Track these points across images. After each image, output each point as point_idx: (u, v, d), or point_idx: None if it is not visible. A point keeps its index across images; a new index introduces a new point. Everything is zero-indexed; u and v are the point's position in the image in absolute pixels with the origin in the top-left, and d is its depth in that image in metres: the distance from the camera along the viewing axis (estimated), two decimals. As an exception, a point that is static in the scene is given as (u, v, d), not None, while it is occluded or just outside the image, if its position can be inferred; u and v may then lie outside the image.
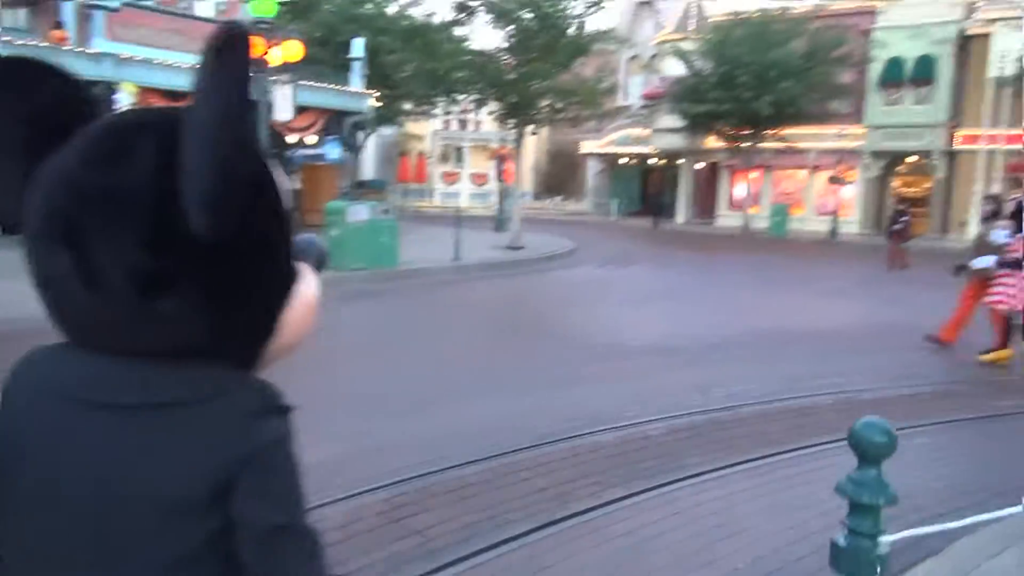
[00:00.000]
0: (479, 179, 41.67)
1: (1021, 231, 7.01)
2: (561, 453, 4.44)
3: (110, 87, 12.93)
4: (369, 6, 23.97)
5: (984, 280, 7.45)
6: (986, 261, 7.17)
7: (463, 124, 41.80)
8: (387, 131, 38.50)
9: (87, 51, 13.30)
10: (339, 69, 19.07)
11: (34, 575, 0.80)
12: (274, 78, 10.38)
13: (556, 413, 5.17)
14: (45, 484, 0.78)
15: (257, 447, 0.77)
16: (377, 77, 21.31)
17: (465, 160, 41.33)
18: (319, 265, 0.95)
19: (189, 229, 0.71)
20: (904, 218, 18.79)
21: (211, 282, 0.76)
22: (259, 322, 0.82)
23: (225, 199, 0.71)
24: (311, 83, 17.97)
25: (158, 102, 14.41)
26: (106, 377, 0.78)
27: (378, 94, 20.08)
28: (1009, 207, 7.42)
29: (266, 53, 10.33)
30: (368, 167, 41.84)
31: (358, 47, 19.60)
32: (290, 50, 10.28)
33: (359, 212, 11.71)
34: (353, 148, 22.17)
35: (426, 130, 42.01)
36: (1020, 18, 25.26)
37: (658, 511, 3.64)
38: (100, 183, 0.75)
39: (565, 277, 13.77)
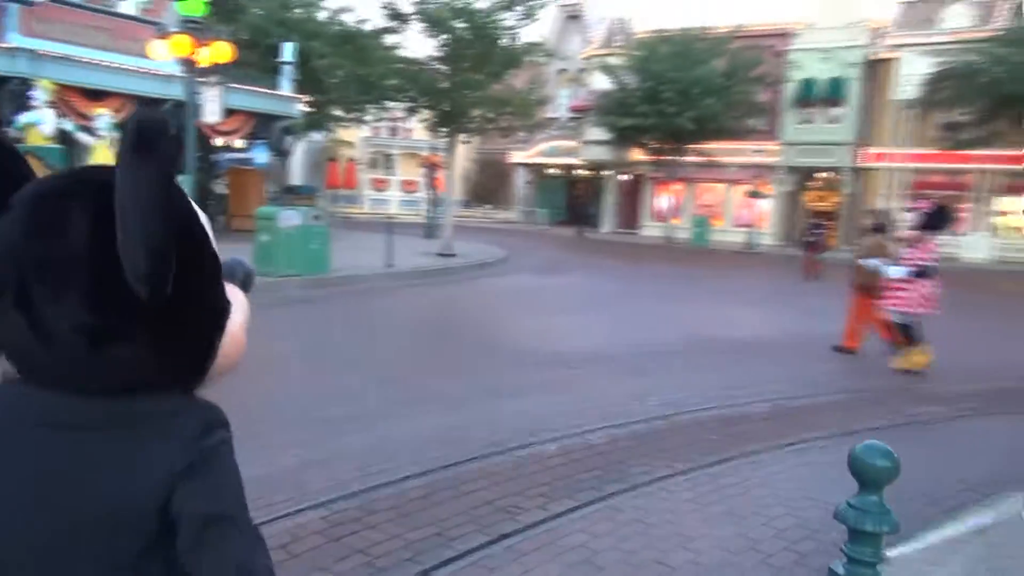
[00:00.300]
0: (409, 186, 41.38)
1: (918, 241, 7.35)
2: (505, 465, 4.45)
3: (25, 83, 12.26)
4: (299, 10, 23.59)
5: (869, 289, 7.95)
6: (899, 271, 7.37)
7: (393, 132, 41.44)
8: (316, 137, 37.90)
9: (1, 45, 12.58)
10: (268, 73, 18.65)
11: None
12: (202, 79, 10.06)
13: (497, 424, 5.18)
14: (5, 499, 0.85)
15: (197, 456, 0.85)
16: (307, 82, 20.96)
17: (395, 167, 41.01)
18: (245, 285, 1.04)
19: (127, 288, 0.79)
20: (819, 230, 19.72)
21: (154, 330, 0.84)
22: (200, 354, 0.91)
23: (158, 273, 0.79)
24: (239, 86, 17.53)
25: (78, 100, 13.78)
26: (67, 409, 0.85)
27: (308, 99, 19.71)
28: (909, 219, 7.78)
29: (194, 53, 10.03)
30: (296, 173, 41.05)
31: (288, 51, 19.21)
32: (219, 51, 10.00)
33: (290, 218, 11.44)
34: (282, 153, 21.70)
35: (356, 137, 41.48)
36: (923, 44, 26.96)
37: (607, 522, 3.70)
38: (42, 255, 0.82)
39: (499, 285, 13.83)
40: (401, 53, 16.41)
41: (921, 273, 7.16)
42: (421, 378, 6.50)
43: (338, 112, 23.64)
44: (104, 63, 14.24)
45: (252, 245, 11.75)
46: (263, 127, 18.66)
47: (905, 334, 7.45)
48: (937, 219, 7.33)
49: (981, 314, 12.56)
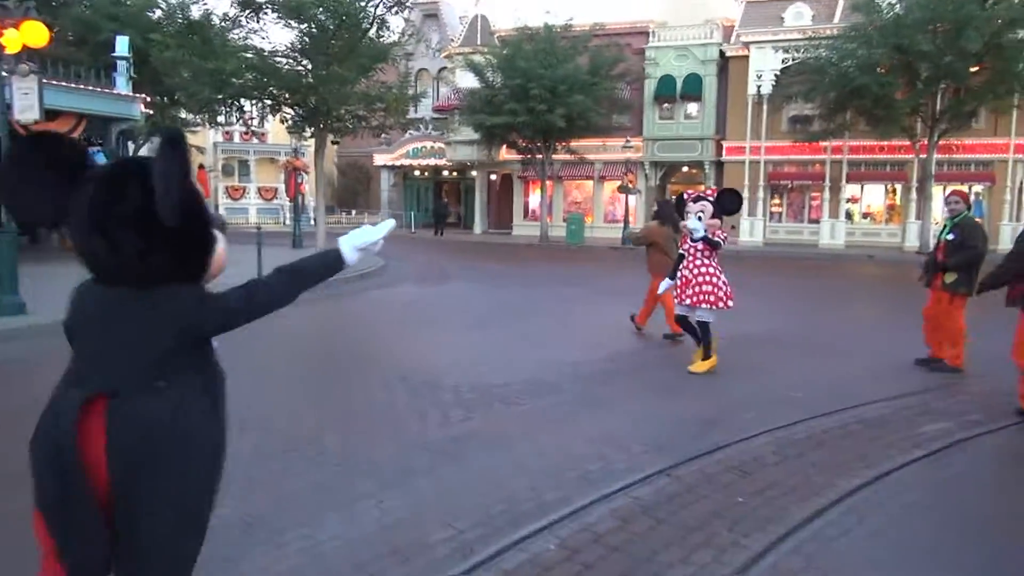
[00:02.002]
0: (267, 193, 38.94)
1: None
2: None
3: None
4: (131, 3, 21.19)
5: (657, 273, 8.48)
6: (698, 227, 6.71)
7: (249, 135, 38.82)
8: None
9: None
10: (102, 72, 16.46)
11: (91, 363, 1.93)
12: (10, 68, 8.30)
13: (451, 505, 3.79)
14: (93, 329, 1.93)
15: (196, 301, 1.97)
16: (148, 81, 18.80)
17: (251, 174, 38.39)
18: (223, 229, 2.14)
19: (161, 222, 1.81)
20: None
21: (173, 248, 1.90)
22: (200, 261, 2.01)
23: (177, 208, 1.79)
24: (67, 84, 15.31)
25: None
26: (123, 295, 1.92)
27: (148, 99, 17.62)
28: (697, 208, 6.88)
29: (0, 35, 8.28)
30: (134, 182, 37.55)
31: (122, 45, 17.08)
32: (31, 32, 8.28)
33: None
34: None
35: (207, 142, 38.50)
36: (771, 41, 28.22)
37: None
38: (113, 206, 1.86)
39: (387, 298, 12.64)
40: (254, 44, 14.81)
41: (714, 246, 6.76)
42: (306, 433, 4.94)
43: (185, 115, 21.47)
44: None
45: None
46: (100, 130, 16.47)
47: (706, 333, 6.97)
48: (727, 203, 6.90)
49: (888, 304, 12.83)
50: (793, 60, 27.27)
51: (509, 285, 14.83)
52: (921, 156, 25.17)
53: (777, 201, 30.58)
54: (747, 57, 29.11)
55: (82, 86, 15.57)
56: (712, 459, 4.65)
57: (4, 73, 8.48)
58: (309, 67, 15.19)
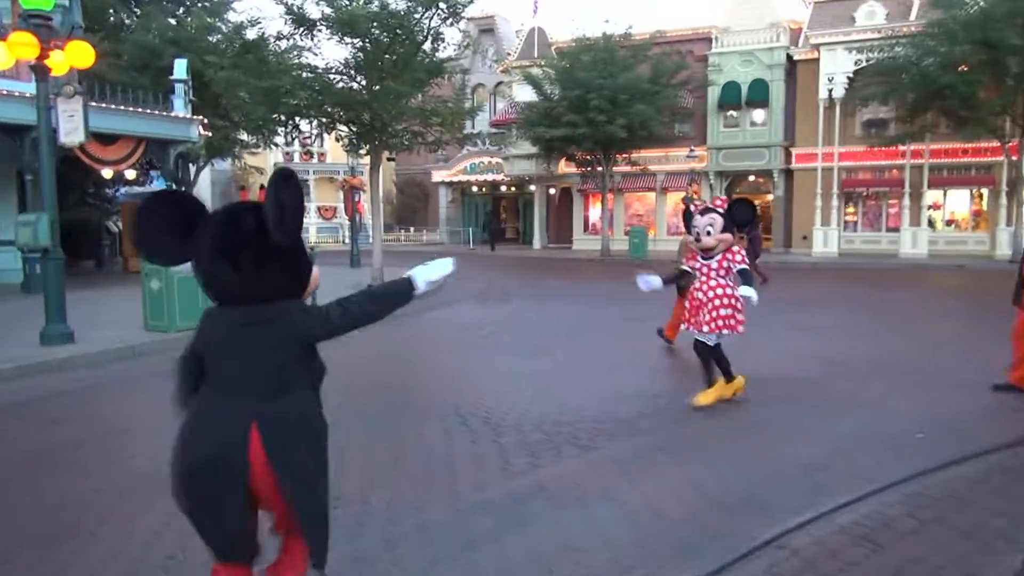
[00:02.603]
0: (326, 212, 39.20)
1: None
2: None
3: None
4: (192, 27, 21.39)
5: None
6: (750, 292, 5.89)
7: (308, 155, 39.24)
8: (223, 165, 35.29)
9: None
10: (161, 96, 16.50)
11: (232, 378, 2.37)
12: (57, 91, 8.06)
13: None
14: (229, 353, 2.37)
15: (311, 316, 2.46)
16: (207, 104, 18.84)
17: (311, 193, 38.70)
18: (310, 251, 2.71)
19: (273, 245, 2.28)
20: (751, 233, 19.04)
21: (283, 265, 2.36)
22: (300, 280, 2.44)
23: (288, 231, 2.28)
24: (124, 107, 15.35)
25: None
26: (247, 312, 2.36)
27: (205, 120, 17.61)
28: (705, 222, 6.02)
29: (46, 57, 8.04)
30: (204, 204, 38.26)
31: (180, 68, 17.12)
32: (77, 53, 8.03)
33: (188, 258, 9.48)
34: (181, 182, 19.44)
35: (267, 162, 39.07)
36: (842, 42, 26.88)
37: None
38: (235, 235, 2.28)
39: (444, 319, 12.03)
40: (308, 61, 14.54)
41: (744, 277, 5.94)
42: (351, 486, 4.22)
43: (244, 136, 21.52)
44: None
45: (141, 292, 9.75)
46: (156, 154, 16.48)
47: (720, 358, 6.14)
48: (739, 214, 5.95)
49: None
50: (868, 61, 25.83)
51: (573, 303, 14.10)
52: (1012, 158, 23.44)
53: (852, 209, 29.05)
54: (817, 60, 27.81)
55: (140, 109, 15.59)
56: (831, 524, 3.83)
57: (51, 95, 8.24)
58: (363, 83, 14.80)
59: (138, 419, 6.09)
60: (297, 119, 15.93)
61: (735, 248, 5.98)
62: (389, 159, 18.02)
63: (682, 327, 7.27)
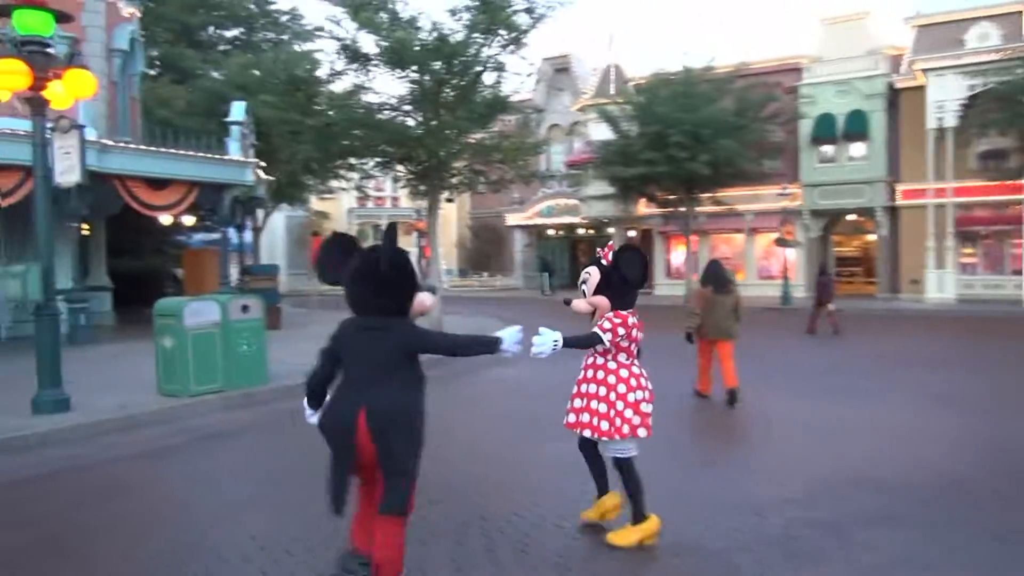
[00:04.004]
0: (399, 258, 38.61)
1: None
2: None
3: None
4: (260, 71, 21.04)
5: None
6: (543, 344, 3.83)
7: (380, 200, 38.96)
8: (298, 212, 35.28)
9: None
10: (218, 141, 15.90)
11: (355, 371, 3.37)
12: (51, 125, 7.11)
13: None
14: (353, 352, 3.39)
15: (412, 331, 3.41)
16: (269, 150, 18.24)
17: (382, 238, 38.27)
18: (432, 291, 3.91)
19: (387, 277, 3.35)
20: (823, 278, 17.18)
21: (394, 292, 3.39)
22: (406, 304, 3.45)
23: (393, 262, 3.35)
24: (175, 150, 14.73)
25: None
26: (370, 321, 3.36)
27: (262, 164, 16.91)
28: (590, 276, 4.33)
29: (42, 88, 7.10)
30: (278, 249, 38.39)
31: (237, 110, 16.52)
32: (77, 83, 7.07)
33: (202, 313, 8.26)
34: (240, 228, 18.84)
35: (340, 208, 39.00)
36: (952, 67, 24.39)
37: None
38: (366, 267, 3.37)
39: (504, 380, 10.36)
40: (361, 98, 13.50)
41: (591, 343, 4.15)
42: None
43: (309, 180, 20.88)
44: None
45: (155, 352, 8.63)
46: (210, 198, 15.78)
47: (633, 480, 4.24)
48: (628, 267, 4.21)
49: None
50: (985, 85, 23.23)
51: (655, 359, 12.29)
52: None
53: (970, 250, 26.07)
54: (923, 87, 25.34)
55: (191, 153, 14.95)
56: None
57: (48, 131, 7.29)
58: (419, 119, 13.67)
59: (104, 520, 4.78)
60: (351, 159, 14.93)
61: (609, 315, 4.13)
62: (448, 200, 16.80)
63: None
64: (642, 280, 4.22)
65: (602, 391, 4.14)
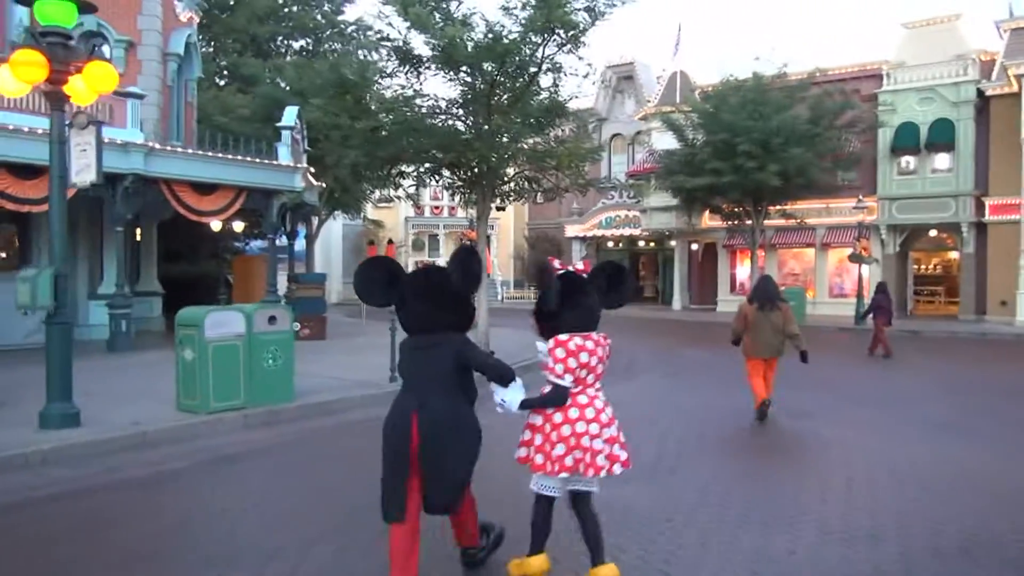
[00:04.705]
0: (455, 268, 38.15)
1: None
2: None
3: None
4: (319, 78, 20.78)
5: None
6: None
7: (437, 210, 38.62)
8: (355, 221, 35.18)
9: None
10: (267, 147, 15.60)
11: (411, 383, 3.59)
12: (69, 121, 6.63)
13: None
14: (410, 369, 3.61)
15: (462, 347, 3.56)
16: (320, 155, 17.88)
17: (441, 248, 37.85)
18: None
19: (451, 293, 3.60)
20: (879, 296, 15.77)
21: (453, 310, 3.62)
22: (466, 320, 3.72)
23: (464, 285, 3.63)
24: (222, 155, 14.45)
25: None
26: (425, 340, 3.57)
27: (312, 170, 16.52)
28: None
29: (62, 82, 6.64)
30: (334, 258, 38.41)
31: (290, 115, 16.20)
32: (97, 76, 6.58)
33: (224, 324, 7.69)
34: (291, 235, 18.52)
35: (398, 218, 38.81)
36: (1052, 72, 22.51)
37: None
38: (427, 285, 3.65)
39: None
40: (410, 99, 12.87)
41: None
42: None
43: (357, 187, 20.46)
44: None
45: (175, 364, 8.10)
46: (259, 204, 15.46)
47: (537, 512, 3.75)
48: (616, 284, 3.80)
49: None
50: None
51: (712, 385, 11.27)
52: None
53: (1068, 270, 23.98)
54: (1017, 95, 23.47)
55: (239, 157, 14.63)
56: None
57: (68, 128, 6.83)
58: (470, 123, 12.98)
59: (80, 557, 4.14)
60: (402, 165, 14.34)
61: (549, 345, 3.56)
62: (499, 208, 16.05)
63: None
64: (622, 302, 3.84)
65: (536, 421, 3.68)
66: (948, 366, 14.07)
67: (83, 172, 6.71)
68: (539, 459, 3.56)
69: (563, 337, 3.49)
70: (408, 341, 3.59)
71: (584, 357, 3.49)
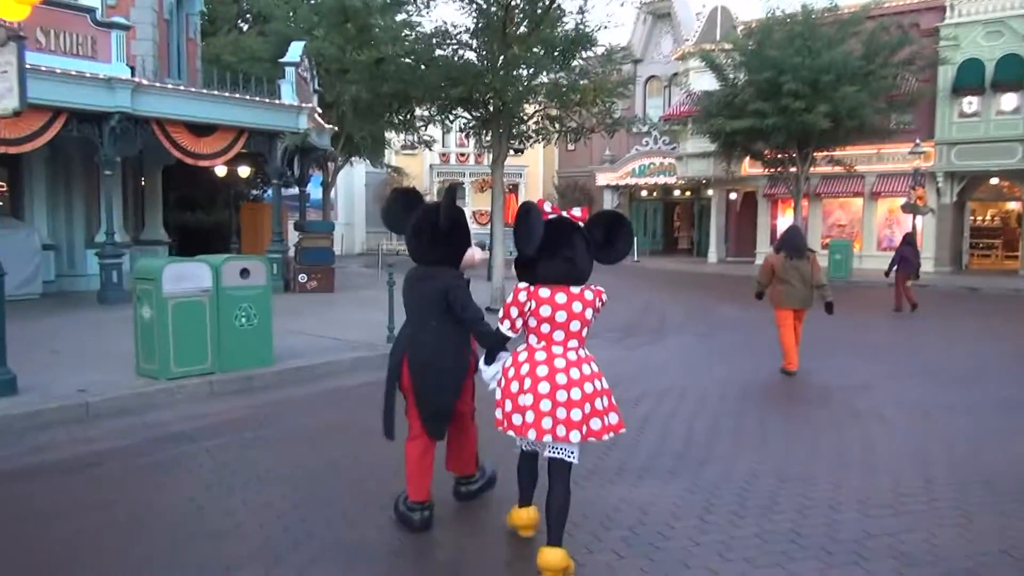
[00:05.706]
0: (482, 217, 36.82)
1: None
2: None
3: None
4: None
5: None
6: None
7: (463, 157, 37.27)
8: (379, 168, 34.04)
9: None
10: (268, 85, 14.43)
11: (408, 311, 3.93)
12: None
13: None
14: (408, 295, 3.92)
15: (453, 282, 3.75)
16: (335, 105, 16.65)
17: (467, 197, 36.59)
18: (482, 247, 4.27)
19: (439, 229, 3.79)
20: (903, 247, 14.46)
21: (445, 245, 3.83)
22: (457, 256, 3.86)
23: (449, 217, 3.77)
24: (217, 92, 13.34)
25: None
26: (423, 270, 3.88)
27: (319, 109, 15.31)
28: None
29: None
30: (356, 206, 37.40)
31: (295, 51, 14.99)
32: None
33: (186, 278, 6.66)
34: (300, 181, 17.44)
35: (423, 165, 37.53)
36: None
37: None
38: (423, 221, 3.85)
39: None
40: (419, 29, 11.56)
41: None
42: None
43: (391, 135, 19.20)
44: None
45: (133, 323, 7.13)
46: (261, 147, 14.38)
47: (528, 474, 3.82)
48: (614, 234, 3.55)
49: None
50: None
51: (748, 350, 10.05)
52: None
53: None
54: (1099, 25, 21.18)
55: (238, 96, 13.51)
56: None
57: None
58: (483, 53, 11.64)
59: None
60: (410, 104, 13.08)
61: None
62: (517, 151, 14.75)
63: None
64: (621, 255, 3.64)
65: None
66: (1018, 331, 12.60)
67: (5, 98, 5.64)
68: (497, 414, 3.45)
69: (521, 285, 3.40)
70: (410, 271, 3.96)
71: (546, 311, 3.32)
